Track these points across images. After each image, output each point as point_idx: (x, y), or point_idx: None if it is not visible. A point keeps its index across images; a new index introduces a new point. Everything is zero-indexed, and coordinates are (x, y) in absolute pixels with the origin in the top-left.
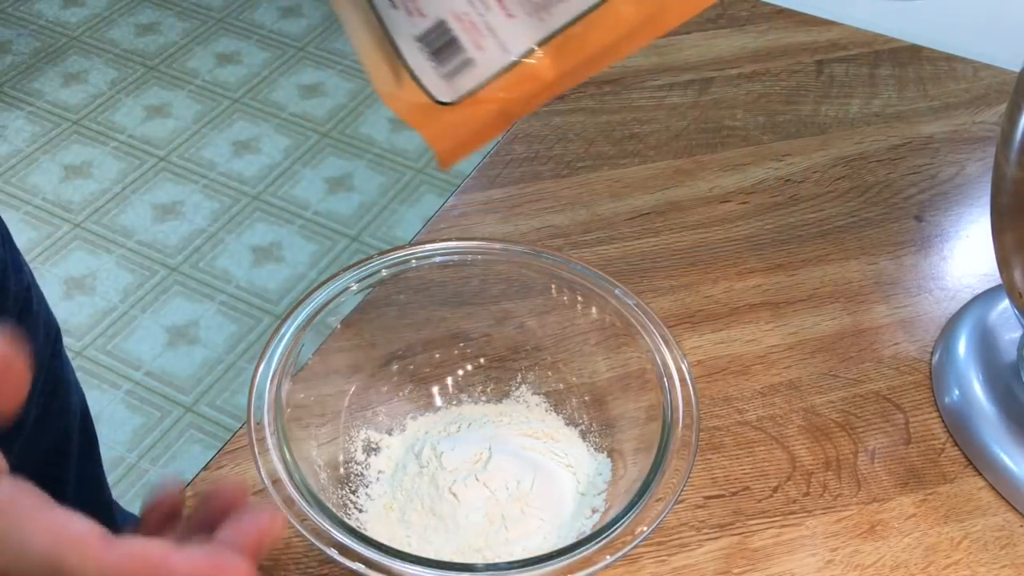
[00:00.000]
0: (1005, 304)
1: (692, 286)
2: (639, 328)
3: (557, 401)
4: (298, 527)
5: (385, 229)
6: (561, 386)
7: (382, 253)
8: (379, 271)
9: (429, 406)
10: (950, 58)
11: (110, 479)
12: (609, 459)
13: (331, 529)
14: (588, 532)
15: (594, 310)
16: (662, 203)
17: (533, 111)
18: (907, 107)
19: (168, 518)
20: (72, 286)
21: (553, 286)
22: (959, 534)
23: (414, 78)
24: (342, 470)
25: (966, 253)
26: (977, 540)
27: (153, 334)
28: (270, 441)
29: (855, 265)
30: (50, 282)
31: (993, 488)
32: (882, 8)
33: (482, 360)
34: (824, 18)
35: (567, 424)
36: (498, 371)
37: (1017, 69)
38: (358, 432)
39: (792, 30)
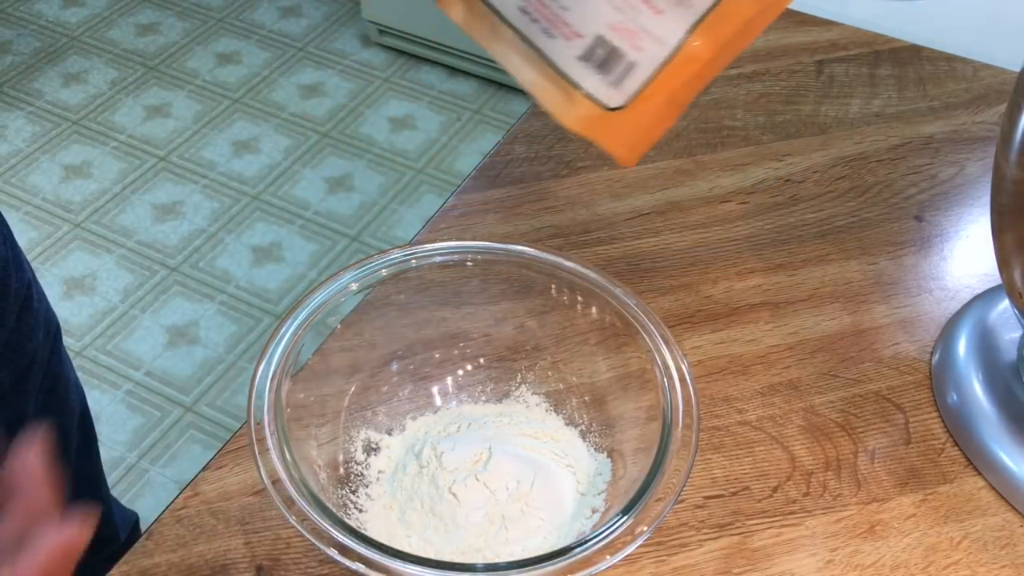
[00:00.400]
0: (1005, 304)
1: (692, 286)
2: (639, 328)
3: (557, 401)
4: (298, 527)
5: (385, 229)
6: (561, 386)
7: (382, 253)
8: (379, 271)
9: (429, 406)
10: (950, 58)
11: (110, 479)
12: (609, 459)
13: (331, 529)
14: (588, 532)
15: (594, 310)
16: (662, 203)
17: (698, 93)
18: (907, 107)
19: None
20: (72, 286)
21: (553, 286)
22: (959, 534)
23: (584, 94)
24: (342, 470)
25: (966, 253)
26: (977, 540)
27: (153, 334)
28: (270, 441)
29: (855, 265)
30: (50, 282)
31: (993, 488)
32: (882, 8)
33: (482, 360)
34: (824, 18)
35: (567, 424)
36: (498, 371)
37: (1017, 69)
38: (358, 432)
39: (792, 30)
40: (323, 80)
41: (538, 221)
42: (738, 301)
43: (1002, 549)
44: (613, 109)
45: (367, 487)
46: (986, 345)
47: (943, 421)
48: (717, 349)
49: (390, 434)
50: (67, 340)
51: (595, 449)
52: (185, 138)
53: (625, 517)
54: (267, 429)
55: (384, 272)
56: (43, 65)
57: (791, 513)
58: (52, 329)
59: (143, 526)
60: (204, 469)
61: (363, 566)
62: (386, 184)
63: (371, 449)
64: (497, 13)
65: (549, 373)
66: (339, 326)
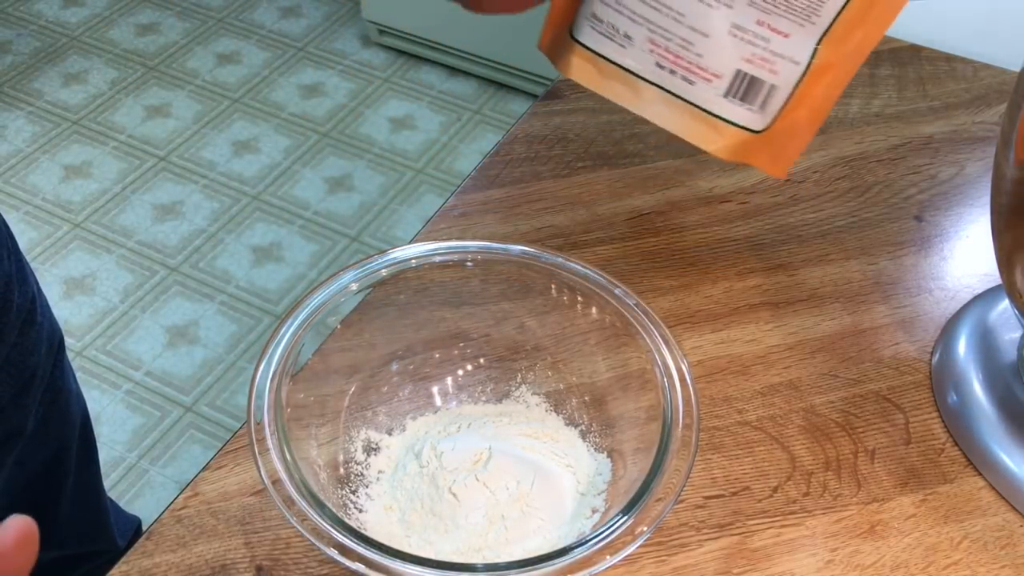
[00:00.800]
0: (1005, 304)
1: (692, 286)
2: (639, 328)
3: (557, 401)
4: (298, 527)
5: (385, 229)
6: (561, 386)
7: (382, 253)
8: (379, 271)
9: (429, 406)
10: (950, 58)
11: (110, 479)
12: (609, 459)
13: (331, 529)
14: (588, 532)
15: (594, 310)
16: (662, 203)
17: (837, 97)
18: (907, 107)
19: None
20: (72, 286)
21: (553, 286)
22: (959, 534)
23: (732, 124)
24: (342, 470)
25: (966, 253)
26: (977, 540)
27: (153, 334)
28: (270, 441)
29: (855, 265)
30: (50, 282)
31: (993, 488)
32: None
33: (482, 360)
34: None
35: (567, 424)
36: (498, 371)
37: (1017, 69)
38: (358, 432)
39: None
40: (323, 80)
41: (538, 221)
42: (738, 301)
43: (1002, 549)
44: (760, 131)
45: (367, 487)
46: (986, 345)
47: (943, 421)
48: (717, 349)
49: (390, 434)
50: (67, 340)
51: (595, 449)
52: (185, 138)
53: (625, 517)
54: (267, 429)
55: (384, 272)
56: (43, 65)
57: (791, 513)
58: (55, 342)
59: (143, 526)
60: (204, 469)
61: (363, 566)
62: (386, 184)
63: (371, 449)
64: (635, 74)
65: (549, 373)
66: (339, 326)
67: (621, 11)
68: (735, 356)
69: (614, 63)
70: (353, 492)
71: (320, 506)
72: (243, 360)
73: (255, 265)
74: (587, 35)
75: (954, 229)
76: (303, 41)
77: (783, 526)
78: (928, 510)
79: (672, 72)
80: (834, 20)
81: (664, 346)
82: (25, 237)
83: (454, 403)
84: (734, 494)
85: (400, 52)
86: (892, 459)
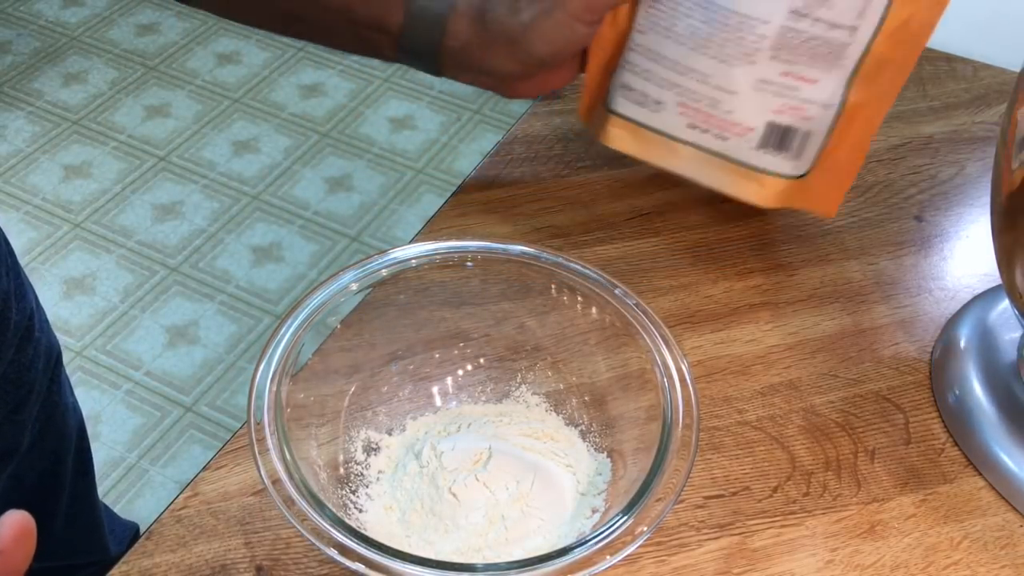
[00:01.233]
0: (1005, 304)
1: (692, 286)
2: (639, 328)
3: (557, 401)
4: (298, 527)
5: (385, 229)
6: (561, 386)
7: (382, 253)
8: (379, 271)
9: (429, 406)
10: (950, 58)
11: (110, 479)
12: (609, 459)
13: (331, 529)
14: (588, 532)
15: (594, 310)
16: (662, 203)
17: (877, 127)
18: (907, 107)
19: None
20: (72, 286)
21: (553, 286)
22: (959, 534)
23: (771, 174)
24: (342, 470)
25: (966, 253)
26: (977, 540)
27: (153, 334)
28: (270, 441)
29: (855, 265)
30: (50, 282)
31: (993, 488)
32: None
33: (482, 360)
34: None
35: (567, 424)
36: (498, 371)
37: (1017, 69)
38: (358, 432)
39: None
40: (323, 80)
41: (538, 221)
42: (738, 301)
43: (1002, 549)
44: (800, 176)
45: (367, 487)
46: (986, 345)
47: (943, 421)
48: (717, 349)
49: (390, 434)
50: (67, 340)
51: (595, 449)
52: (185, 138)
53: (625, 517)
54: (267, 429)
55: (384, 272)
56: (43, 65)
57: (791, 513)
58: (53, 357)
59: (143, 527)
60: (204, 469)
61: (363, 566)
62: (386, 184)
63: (371, 449)
64: (670, 136)
65: (549, 373)
66: (339, 326)
67: (649, 79)
68: (735, 356)
69: (649, 128)
70: (353, 492)
71: (320, 506)
72: (243, 360)
73: (255, 265)
74: (621, 104)
75: (954, 229)
76: (303, 41)
77: (783, 526)
78: (928, 510)
79: (704, 131)
80: (861, 59)
81: (664, 346)
82: (25, 237)
83: (454, 403)
84: (734, 494)
85: None
86: (892, 459)
